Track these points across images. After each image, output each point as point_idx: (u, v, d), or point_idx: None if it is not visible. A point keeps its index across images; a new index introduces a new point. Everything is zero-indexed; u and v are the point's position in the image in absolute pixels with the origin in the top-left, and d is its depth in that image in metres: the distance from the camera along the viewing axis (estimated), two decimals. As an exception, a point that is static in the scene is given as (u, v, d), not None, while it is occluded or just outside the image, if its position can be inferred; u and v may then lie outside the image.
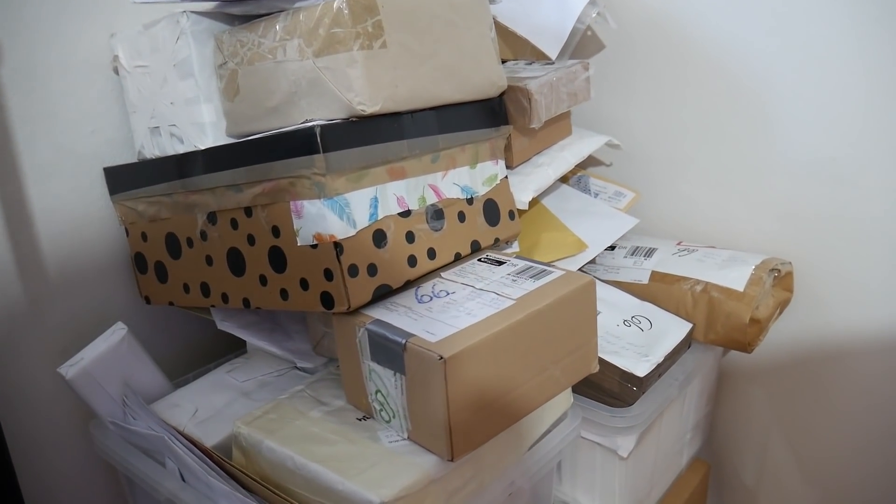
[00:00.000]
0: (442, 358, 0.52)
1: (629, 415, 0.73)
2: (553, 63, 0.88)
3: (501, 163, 0.75)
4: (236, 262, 0.67)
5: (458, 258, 0.69)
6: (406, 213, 0.64)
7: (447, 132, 0.68)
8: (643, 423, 0.74)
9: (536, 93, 0.77)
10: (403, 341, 0.55)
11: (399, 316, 0.59)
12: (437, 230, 0.67)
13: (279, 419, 0.64)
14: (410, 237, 0.64)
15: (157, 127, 0.75)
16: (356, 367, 0.62)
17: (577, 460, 0.81)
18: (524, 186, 0.79)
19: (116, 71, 0.79)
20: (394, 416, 0.60)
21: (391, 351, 0.57)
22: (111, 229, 0.83)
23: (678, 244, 0.94)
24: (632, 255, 0.93)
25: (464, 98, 0.69)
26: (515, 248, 0.78)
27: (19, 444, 0.76)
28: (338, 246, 0.58)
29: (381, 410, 0.61)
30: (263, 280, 0.65)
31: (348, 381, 0.64)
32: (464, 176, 0.70)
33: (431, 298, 0.62)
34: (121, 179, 0.77)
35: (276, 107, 0.64)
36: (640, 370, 0.73)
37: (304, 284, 0.61)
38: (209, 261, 0.70)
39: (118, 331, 0.74)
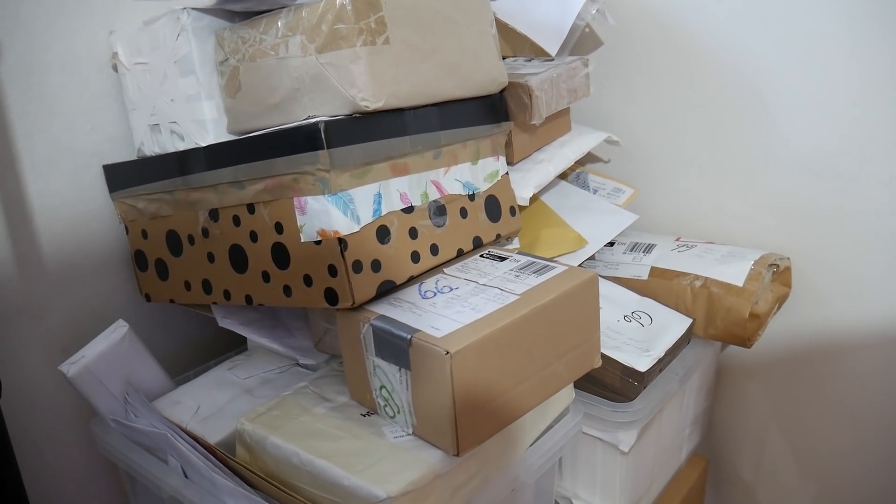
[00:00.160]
0: (448, 353, 0.52)
1: (630, 409, 0.74)
2: (553, 59, 0.88)
3: (502, 159, 0.75)
4: (238, 259, 0.67)
5: (461, 254, 0.69)
6: (409, 210, 0.64)
7: (449, 128, 0.68)
8: (644, 418, 0.75)
9: (537, 89, 0.77)
10: (409, 336, 0.55)
11: (403, 311, 0.59)
12: (439, 226, 0.67)
13: (283, 415, 0.64)
14: (413, 233, 0.64)
15: (157, 124, 0.74)
16: (360, 362, 0.62)
17: (577, 455, 0.81)
18: (525, 183, 0.79)
19: (115, 68, 0.78)
20: (399, 412, 0.60)
21: (396, 346, 0.57)
22: (111, 227, 0.82)
23: (677, 240, 0.95)
24: (631, 250, 0.93)
25: (465, 94, 0.69)
26: (516, 244, 0.79)
27: (21, 442, 0.75)
28: (342, 242, 0.58)
29: (385, 406, 0.61)
30: (266, 277, 0.65)
31: (352, 377, 0.64)
32: (465, 172, 0.70)
33: (435, 294, 0.62)
34: (120, 177, 0.77)
35: (279, 103, 0.64)
36: (642, 365, 0.74)
37: (308, 281, 0.61)
38: (211, 258, 0.70)
39: (119, 328, 0.73)
